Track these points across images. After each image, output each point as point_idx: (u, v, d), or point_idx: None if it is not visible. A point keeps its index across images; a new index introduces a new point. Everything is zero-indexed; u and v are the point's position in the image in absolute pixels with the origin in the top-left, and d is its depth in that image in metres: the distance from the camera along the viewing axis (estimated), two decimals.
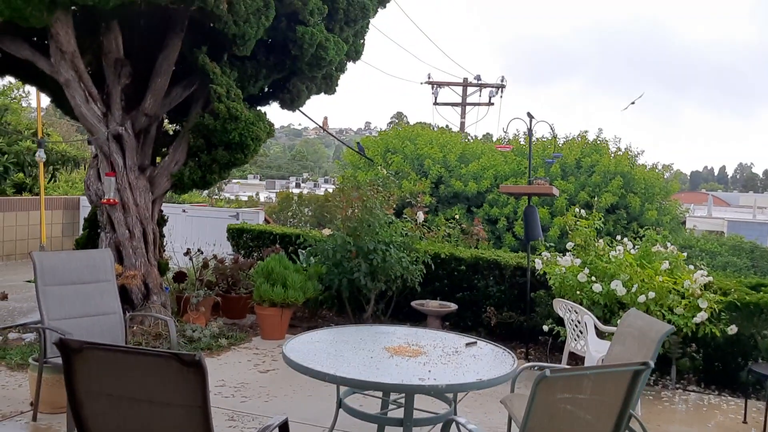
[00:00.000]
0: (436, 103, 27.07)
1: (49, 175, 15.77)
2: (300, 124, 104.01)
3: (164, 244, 8.18)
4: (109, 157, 7.00)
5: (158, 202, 7.50)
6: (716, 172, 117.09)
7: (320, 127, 20.40)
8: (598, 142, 16.07)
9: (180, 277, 7.93)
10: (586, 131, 16.58)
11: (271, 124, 7.30)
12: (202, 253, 8.38)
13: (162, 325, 6.80)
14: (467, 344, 4.40)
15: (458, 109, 27.49)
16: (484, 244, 11.19)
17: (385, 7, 8.23)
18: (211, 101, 6.79)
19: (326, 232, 7.76)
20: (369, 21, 8.33)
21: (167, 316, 5.84)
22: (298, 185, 52.78)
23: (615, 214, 14.65)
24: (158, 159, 7.76)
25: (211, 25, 6.49)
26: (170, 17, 6.73)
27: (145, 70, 7.06)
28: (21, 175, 14.67)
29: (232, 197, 37.42)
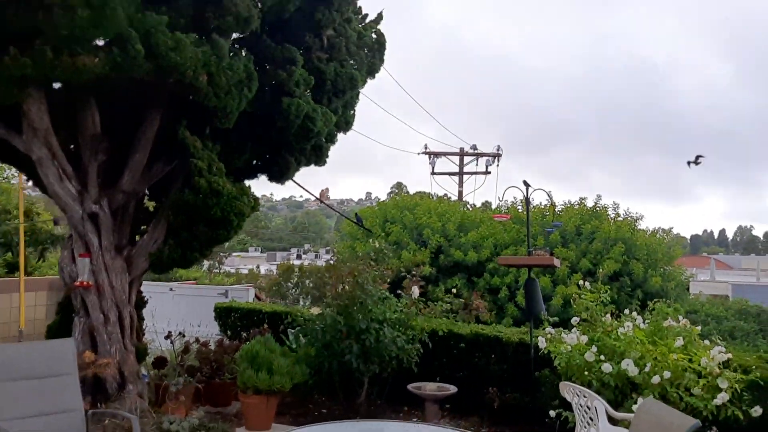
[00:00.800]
0: (433, 173, 27.01)
1: (38, 255, 15.40)
2: (301, 196, 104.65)
3: (144, 327, 7.73)
4: (83, 237, 6.64)
5: (136, 283, 7.10)
6: (716, 235, 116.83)
7: (317, 199, 20.23)
8: (597, 208, 15.76)
9: (160, 362, 7.42)
10: (584, 198, 16.30)
11: (256, 198, 6.99)
12: (183, 335, 7.90)
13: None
14: None
15: (456, 178, 27.43)
16: (486, 316, 10.69)
17: (374, 77, 8.07)
18: (192, 176, 6.48)
19: (315, 310, 7.31)
20: (358, 92, 8.15)
21: (132, 414, 5.32)
22: (299, 257, 52.44)
23: (618, 281, 14.18)
24: (138, 237, 7.40)
25: (191, 97, 6.25)
26: (149, 91, 6.50)
27: (123, 146, 6.79)
28: (9, 255, 14.33)
29: (233, 270, 36.91)
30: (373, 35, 7.94)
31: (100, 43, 5.65)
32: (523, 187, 7.35)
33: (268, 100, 6.91)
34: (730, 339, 17.64)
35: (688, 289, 20.64)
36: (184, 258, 6.85)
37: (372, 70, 7.94)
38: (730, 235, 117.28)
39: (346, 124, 8.22)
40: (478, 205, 23.72)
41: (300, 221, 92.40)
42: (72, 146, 6.95)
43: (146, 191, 7.47)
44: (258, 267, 35.32)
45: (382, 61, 8.01)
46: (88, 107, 6.50)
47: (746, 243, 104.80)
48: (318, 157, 8.14)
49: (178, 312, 10.17)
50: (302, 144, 7.43)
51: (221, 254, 44.42)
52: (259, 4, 6.21)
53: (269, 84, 6.84)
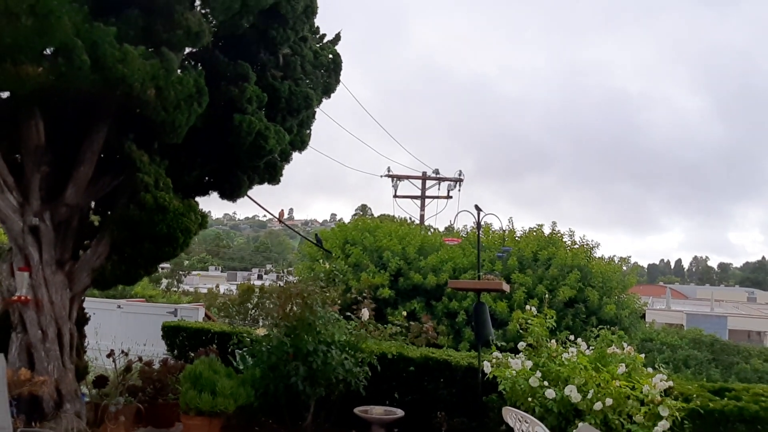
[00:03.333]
0: (396, 196, 27.08)
1: None
2: (264, 216, 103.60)
3: (86, 344, 7.50)
4: (23, 251, 6.43)
5: (77, 299, 6.89)
6: (673, 265, 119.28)
7: (275, 218, 20.04)
8: (553, 235, 15.93)
9: (100, 381, 7.20)
10: (541, 224, 16.47)
11: (204, 215, 6.87)
12: (126, 354, 7.68)
13: None
14: None
15: (418, 201, 27.54)
16: (443, 340, 10.62)
17: (329, 97, 8.06)
18: (138, 191, 6.35)
19: (260, 331, 7.17)
20: (314, 111, 8.13)
21: None
22: (260, 277, 51.88)
23: (574, 307, 14.30)
24: (82, 252, 7.19)
25: (139, 111, 6.14)
26: (96, 103, 6.36)
27: (69, 158, 6.62)
28: None
29: (191, 289, 36.20)
30: (330, 56, 7.95)
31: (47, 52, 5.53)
32: (475, 212, 7.37)
33: (219, 117, 6.84)
34: (684, 368, 17.91)
35: (643, 317, 20.93)
36: (127, 275, 6.71)
37: (327, 90, 7.94)
38: (686, 265, 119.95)
39: (301, 143, 8.18)
40: (442, 229, 23.83)
41: (263, 241, 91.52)
42: (15, 157, 6.77)
43: (91, 205, 7.28)
44: (218, 286, 34.83)
45: (338, 81, 8.02)
46: (32, 118, 6.32)
47: (701, 273, 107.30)
48: (272, 175, 8.07)
49: (125, 330, 9.90)
50: (254, 162, 7.36)
51: (180, 272, 43.60)
52: (211, 19, 6.16)
53: (221, 100, 6.77)
